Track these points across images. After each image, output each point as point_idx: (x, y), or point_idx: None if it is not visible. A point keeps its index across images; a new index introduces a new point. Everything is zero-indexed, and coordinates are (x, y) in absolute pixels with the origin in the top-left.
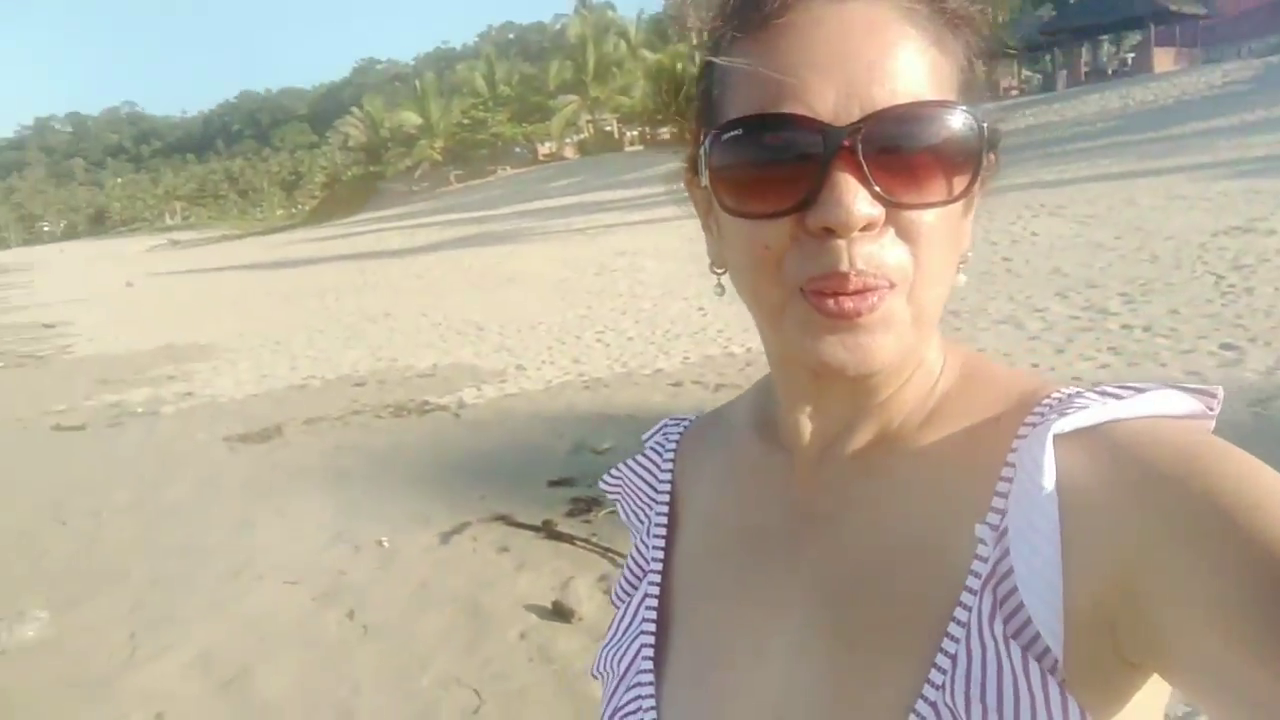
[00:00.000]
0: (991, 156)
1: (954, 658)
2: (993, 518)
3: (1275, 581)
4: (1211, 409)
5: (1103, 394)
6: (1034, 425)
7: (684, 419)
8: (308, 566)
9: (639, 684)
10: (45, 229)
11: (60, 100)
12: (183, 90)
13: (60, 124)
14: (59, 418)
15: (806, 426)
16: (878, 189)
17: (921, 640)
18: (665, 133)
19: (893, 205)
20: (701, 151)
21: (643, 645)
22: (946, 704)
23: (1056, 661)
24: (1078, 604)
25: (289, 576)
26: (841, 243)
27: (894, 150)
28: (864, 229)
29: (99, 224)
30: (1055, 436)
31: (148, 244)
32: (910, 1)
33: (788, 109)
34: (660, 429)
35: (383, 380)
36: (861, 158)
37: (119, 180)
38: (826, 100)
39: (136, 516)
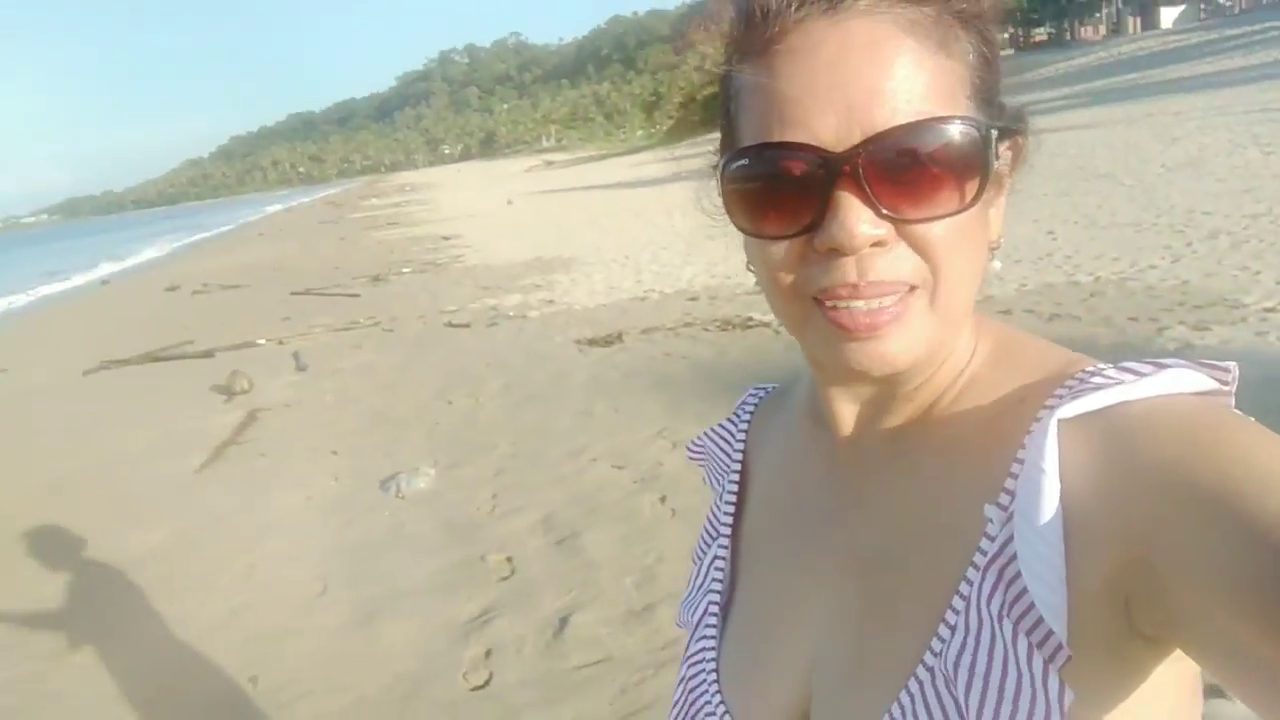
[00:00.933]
0: (1018, 141)
1: (954, 628)
2: (1003, 499)
3: None
4: (1227, 384)
5: (1122, 371)
6: (1052, 409)
7: (765, 387)
8: (633, 455)
9: (705, 637)
10: (445, 151)
11: (460, 33)
12: (561, 18)
13: (459, 55)
14: (450, 316)
15: (841, 413)
16: (883, 209)
17: (930, 612)
18: None
19: (899, 222)
20: (717, 172)
21: (710, 603)
22: (942, 670)
23: (1050, 636)
24: (1087, 583)
25: (617, 462)
26: (850, 260)
27: (896, 169)
28: (874, 246)
29: (488, 146)
30: (1062, 421)
31: (526, 164)
32: (913, 11)
33: (790, 136)
34: (742, 398)
35: (714, 296)
36: (864, 180)
37: (505, 106)
38: (828, 126)
39: (504, 401)
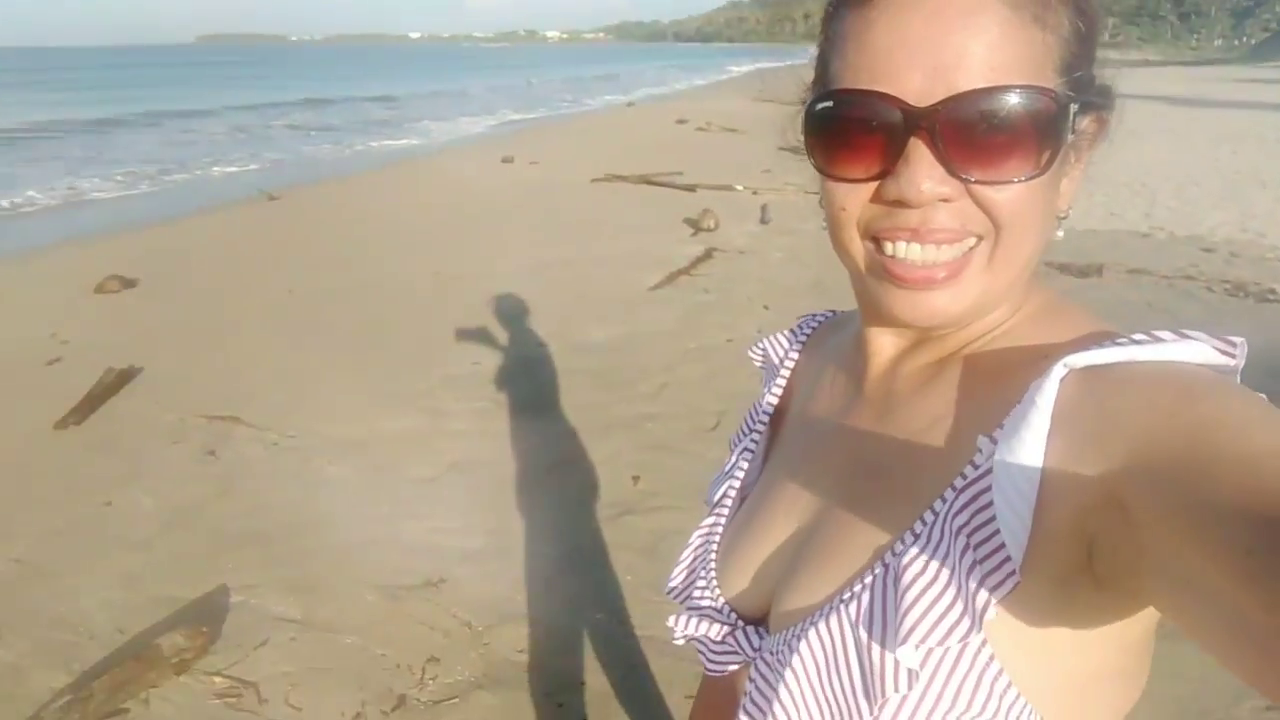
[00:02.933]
0: (1102, 117)
1: (917, 536)
2: (997, 432)
3: (1259, 502)
4: (1233, 356)
5: (1146, 336)
6: (1064, 358)
7: (830, 312)
8: None
9: (718, 515)
10: None
11: None
12: None
13: None
14: None
15: (879, 346)
16: (954, 168)
17: (903, 519)
18: None
19: (968, 183)
20: (802, 109)
21: (730, 487)
22: (894, 570)
23: (1006, 562)
24: (1055, 518)
25: None
26: (915, 212)
27: (971, 131)
28: (940, 201)
29: None
30: (1070, 370)
31: None
32: None
33: (876, 86)
34: (804, 318)
35: (1235, 254)
36: (939, 137)
37: None
38: (913, 81)
39: None
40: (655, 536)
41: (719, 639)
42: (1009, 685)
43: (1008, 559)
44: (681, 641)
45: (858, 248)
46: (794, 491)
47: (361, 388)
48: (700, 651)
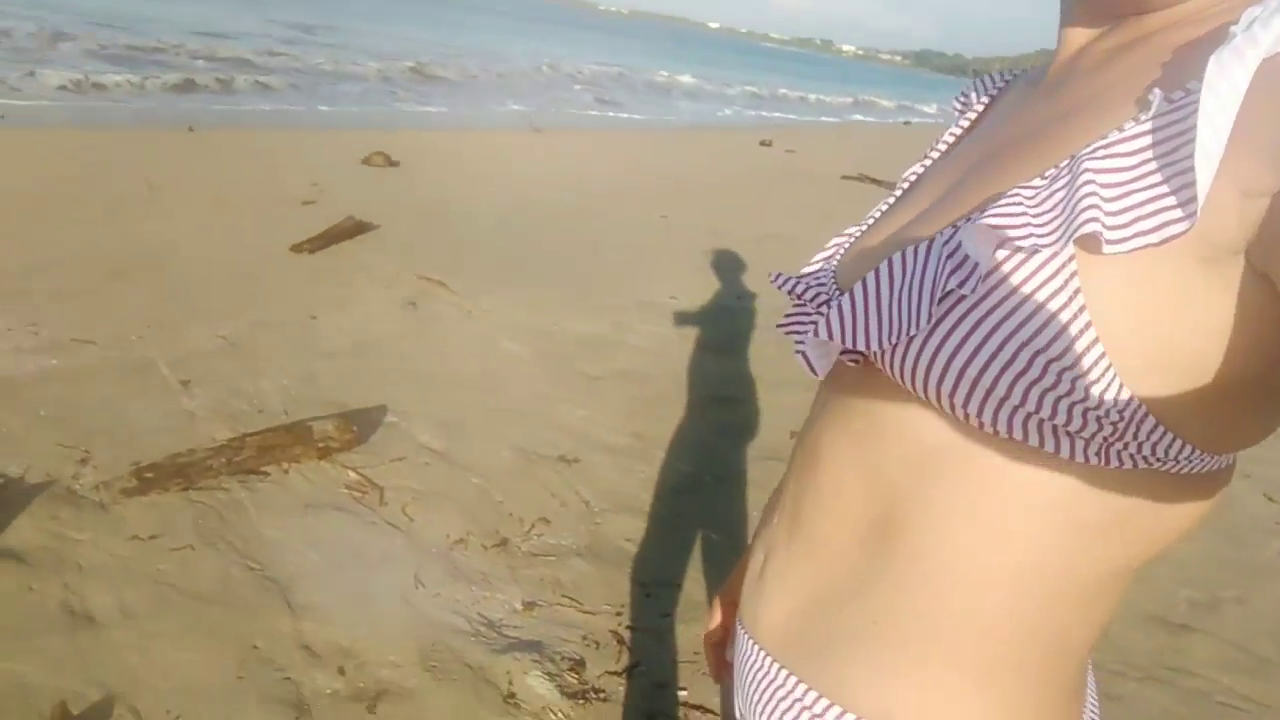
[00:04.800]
0: None
1: (1048, 178)
2: (1177, 93)
3: None
4: None
5: None
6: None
7: (1018, 71)
8: None
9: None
10: None
11: None
12: None
13: None
14: None
15: (1069, 36)
16: None
17: (1040, 165)
18: None
19: None
20: None
21: (884, 200)
22: (1026, 191)
23: (1192, 199)
24: (1234, 180)
25: None
26: None
27: None
28: None
29: None
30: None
31: None
32: None
33: None
34: (1007, 70)
35: None
36: None
37: None
38: None
39: None
40: None
41: (810, 298)
42: (1096, 341)
43: (1193, 197)
44: (778, 284)
45: None
46: (931, 178)
47: (560, 290)
48: (786, 322)
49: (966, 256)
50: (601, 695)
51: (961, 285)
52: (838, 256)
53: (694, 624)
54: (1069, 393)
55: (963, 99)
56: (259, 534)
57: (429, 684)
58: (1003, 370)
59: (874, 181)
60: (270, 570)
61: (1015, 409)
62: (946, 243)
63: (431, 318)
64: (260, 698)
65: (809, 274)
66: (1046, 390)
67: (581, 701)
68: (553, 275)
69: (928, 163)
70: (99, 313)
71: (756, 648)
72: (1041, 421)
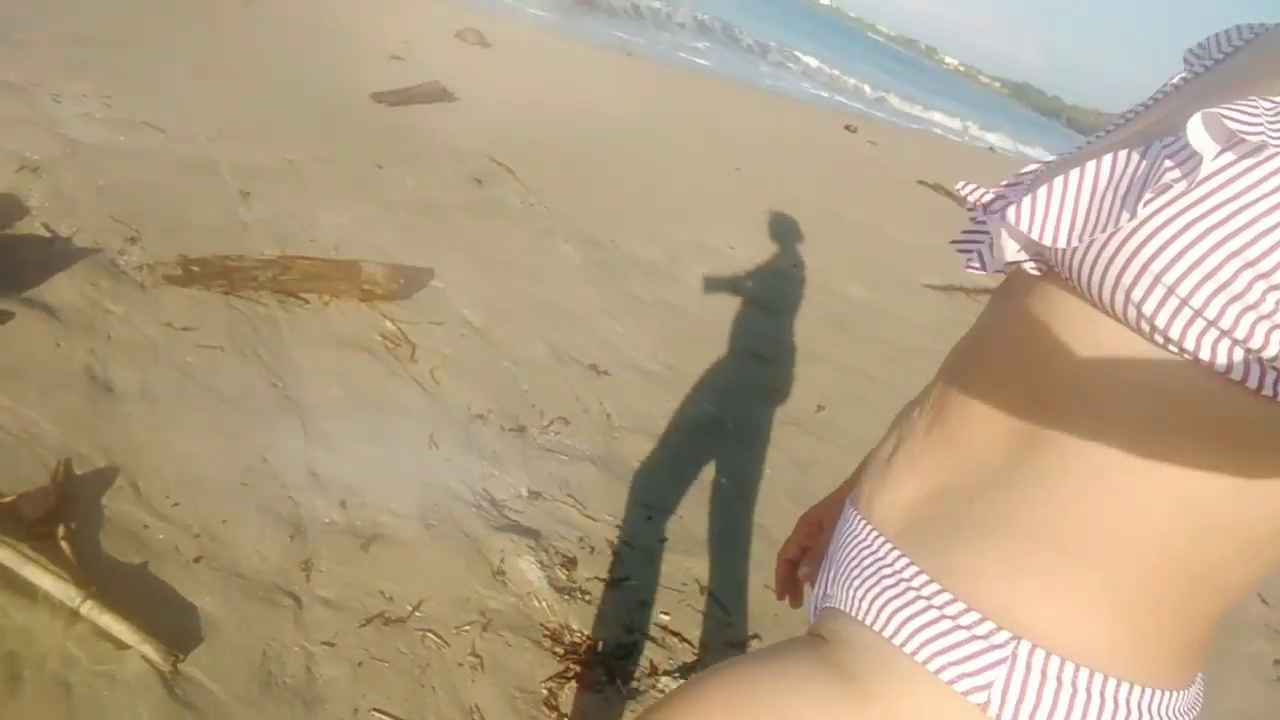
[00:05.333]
0: None
1: None
2: None
3: None
4: None
5: None
6: None
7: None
8: None
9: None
10: None
11: None
12: None
13: None
14: None
15: None
16: None
17: None
18: None
19: None
20: None
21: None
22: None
23: None
24: None
25: None
26: None
27: None
28: None
29: None
30: None
31: None
32: None
33: None
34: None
35: None
36: None
37: None
38: None
39: None
40: (813, 455)
41: (998, 209)
42: None
43: None
44: (965, 191)
45: None
46: (1153, 110)
47: (623, 209)
48: (961, 238)
49: (1189, 149)
50: (586, 597)
51: (1178, 181)
52: (1033, 178)
53: (687, 556)
54: (1272, 314)
55: (1200, 49)
56: (289, 354)
57: (424, 539)
58: (1203, 280)
59: (949, 195)
60: (293, 392)
61: (1208, 326)
62: (1167, 145)
63: (494, 200)
64: (259, 507)
65: (1001, 187)
66: (1247, 309)
67: (566, 597)
68: (619, 193)
69: (1150, 102)
70: (173, 104)
71: (868, 528)
72: (1234, 344)
